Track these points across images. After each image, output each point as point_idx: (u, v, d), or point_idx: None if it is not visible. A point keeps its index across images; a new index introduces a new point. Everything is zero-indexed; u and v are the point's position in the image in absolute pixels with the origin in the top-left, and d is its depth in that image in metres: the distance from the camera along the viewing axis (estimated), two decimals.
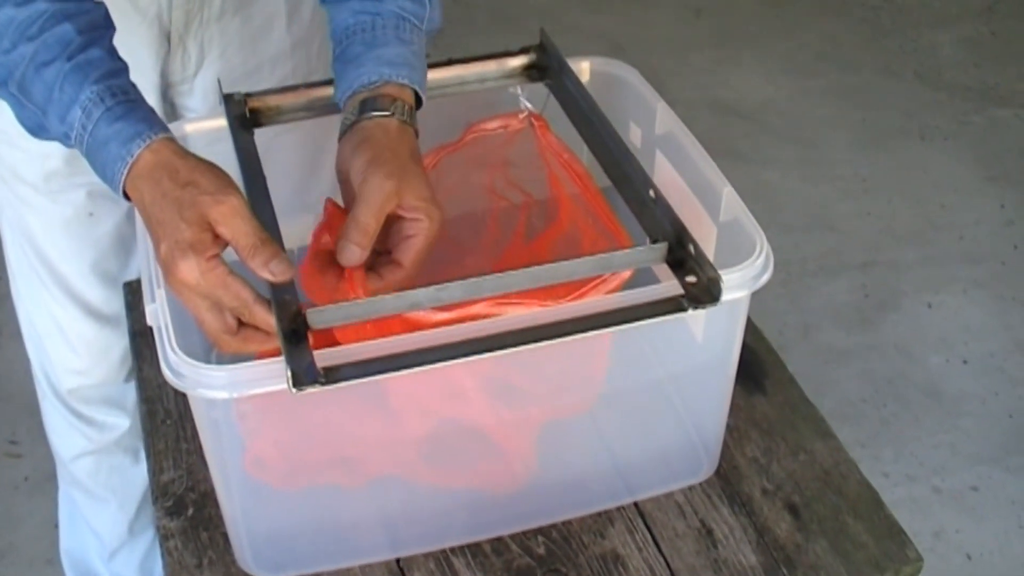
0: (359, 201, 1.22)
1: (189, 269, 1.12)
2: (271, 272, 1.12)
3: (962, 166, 3.72)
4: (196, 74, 1.68)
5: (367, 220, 1.21)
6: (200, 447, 1.50)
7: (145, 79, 1.33)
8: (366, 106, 1.29)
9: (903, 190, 3.62)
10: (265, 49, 1.71)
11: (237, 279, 1.13)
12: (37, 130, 1.23)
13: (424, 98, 1.34)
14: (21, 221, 1.76)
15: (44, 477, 2.67)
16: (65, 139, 1.19)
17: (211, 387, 1.14)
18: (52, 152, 1.61)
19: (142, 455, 2.02)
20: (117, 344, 1.87)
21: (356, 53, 1.34)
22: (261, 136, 1.40)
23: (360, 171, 1.23)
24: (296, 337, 1.12)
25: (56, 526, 2.38)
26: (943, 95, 4.04)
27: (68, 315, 1.83)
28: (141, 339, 1.69)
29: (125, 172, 1.16)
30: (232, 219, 1.12)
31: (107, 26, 1.23)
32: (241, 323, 1.16)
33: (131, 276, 1.83)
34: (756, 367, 1.62)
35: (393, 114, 1.29)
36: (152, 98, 1.58)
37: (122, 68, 1.21)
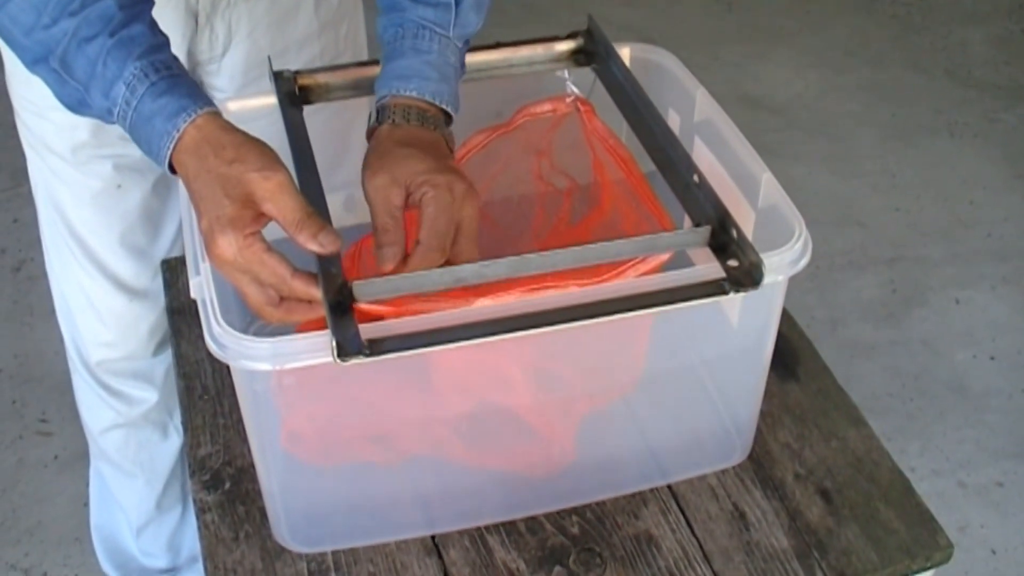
0: (370, 211, 1.26)
1: (227, 244, 1.14)
2: (319, 244, 1.14)
3: (991, 163, 3.72)
4: (224, 54, 1.69)
5: (382, 221, 1.24)
6: (237, 422, 1.52)
7: None
8: (371, 120, 1.36)
9: (931, 186, 3.62)
10: (292, 31, 1.72)
11: (274, 255, 1.15)
12: (77, 106, 1.23)
13: (443, 104, 1.36)
14: (53, 193, 1.77)
15: (74, 456, 2.69)
16: (107, 115, 1.20)
17: (254, 359, 1.15)
18: (80, 123, 1.63)
19: (170, 430, 2.04)
20: (145, 318, 1.89)
21: (382, 66, 1.39)
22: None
23: (362, 183, 1.28)
24: (341, 309, 1.14)
25: (85, 504, 2.40)
26: (973, 92, 4.04)
27: (97, 287, 1.85)
28: (178, 316, 1.71)
29: (171, 147, 1.17)
30: (279, 195, 1.14)
31: (146, 0, 1.24)
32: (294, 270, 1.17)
33: (160, 250, 1.85)
34: (789, 354, 1.63)
35: (382, 123, 1.34)
36: None
37: (164, 42, 1.23)
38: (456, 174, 1.26)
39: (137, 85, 1.17)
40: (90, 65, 1.18)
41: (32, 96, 1.65)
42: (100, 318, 1.88)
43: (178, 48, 1.58)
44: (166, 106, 1.17)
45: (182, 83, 1.19)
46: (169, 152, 1.18)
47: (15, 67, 1.58)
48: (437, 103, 1.35)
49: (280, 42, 1.70)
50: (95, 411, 2.02)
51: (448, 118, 1.37)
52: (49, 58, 1.20)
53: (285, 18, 1.69)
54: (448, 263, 1.22)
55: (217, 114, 1.19)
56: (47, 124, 1.67)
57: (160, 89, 1.17)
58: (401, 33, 1.38)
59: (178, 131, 1.17)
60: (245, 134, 1.19)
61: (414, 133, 1.32)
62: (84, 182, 1.73)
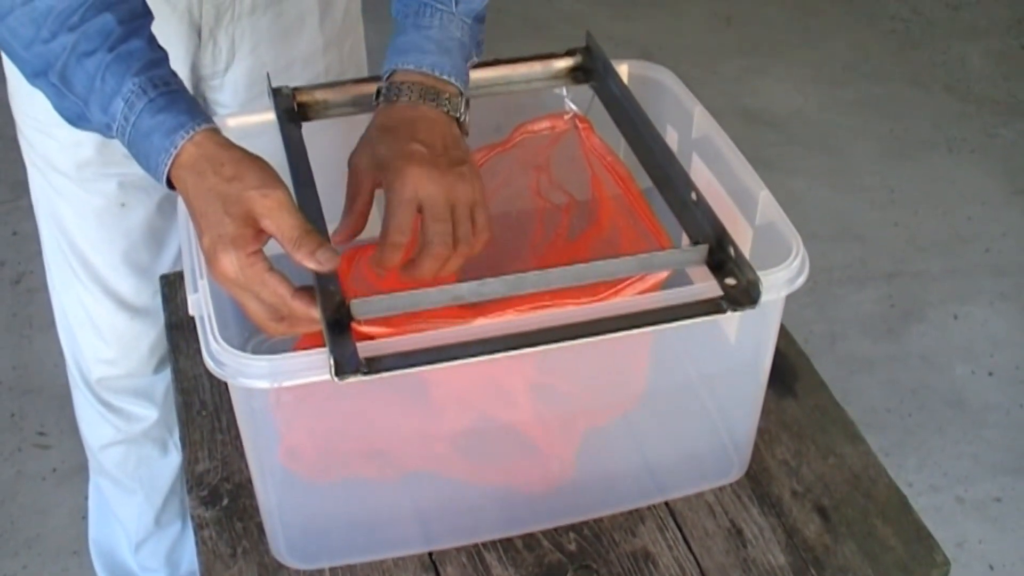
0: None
1: (230, 263, 1.14)
2: (317, 261, 1.14)
3: (989, 179, 3.72)
4: (227, 69, 1.70)
5: (347, 203, 1.30)
6: (235, 438, 1.52)
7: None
8: (372, 99, 1.38)
9: (930, 201, 3.62)
10: (297, 47, 1.72)
11: (275, 275, 1.15)
12: (77, 120, 1.24)
13: (443, 76, 1.36)
14: (55, 211, 1.77)
15: (72, 468, 2.69)
16: (107, 130, 1.21)
17: (252, 376, 1.15)
18: (84, 141, 1.63)
19: (170, 447, 2.04)
20: (147, 335, 1.88)
21: (388, 45, 1.40)
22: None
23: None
24: (339, 327, 1.14)
25: (84, 517, 2.40)
26: (971, 108, 4.04)
27: (99, 305, 1.84)
28: (176, 332, 1.71)
29: (168, 164, 1.17)
30: (277, 212, 1.14)
31: (146, 14, 1.24)
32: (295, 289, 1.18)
33: (162, 268, 1.84)
34: (787, 371, 1.63)
35: (379, 102, 1.36)
36: None
37: (162, 57, 1.23)
38: (408, 159, 1.27)
39: (135, 101, 1.18)
40: (89, 80, 1.19)
41: (35, 112, 1.65)
42: (101, 335, 1.87)
43: (181, 62, 1.59)
44: (164, 122, 1.17)
45: (180, 99, 1.20)
46: (167, 168, 1.18)
47: (19, 83, 1.58)
48: (436, 74, 1.35)
49: (284, 58, 1.70)
50: (95, 427, 2.02)
51: (458, 92, 1.37)
52: (48, 72, 1.20)
53: (289, 34, 1.70)
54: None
55: (215, 130, 1.19)
56: (51, 141, 1.67)
57: (158, 105, 1.17)
58: (405, 12, 1.39)
59: (176, 148, 1.17)
60: (244, 151, 1.19)
61: (397, 113, 1.33)
62: (87, 200, 1.73)
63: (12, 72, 1.52)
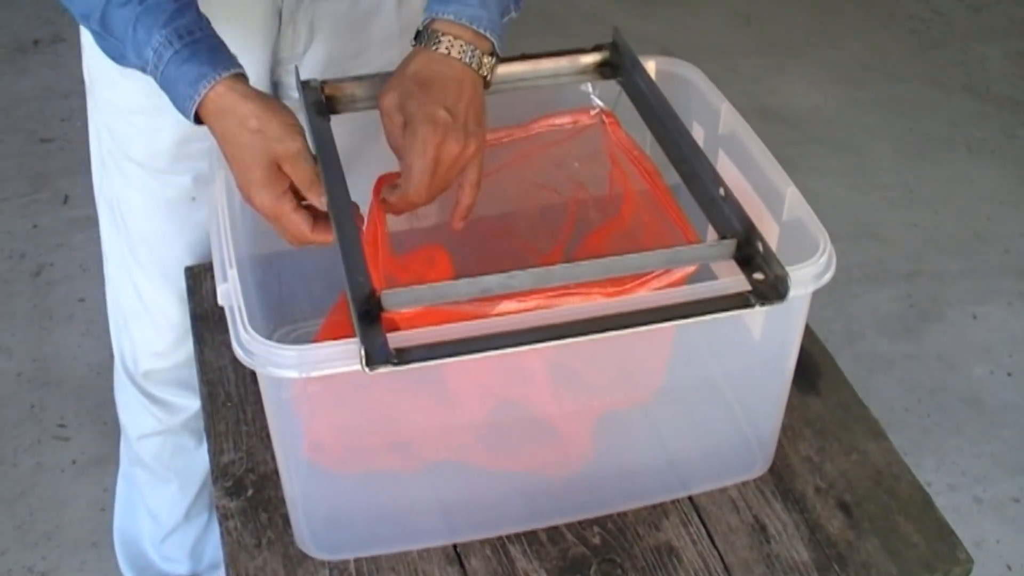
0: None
1: (261, 201, 1.29)
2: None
3: (1008, 179, 3.72)
4: (304, 53, 1.70)
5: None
6: (260, 429, 1.52)
7: (254, 56, 1.47)
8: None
9: (949, 201, 3.62)
10: (373, 32, 1.72)
11: (299, 214, 1.29)
12: (119, 59, 1.33)
13: (480, 29, 1.37)
14: (124, 200, 1.79)
15: (91, 460, 2.70)
16: (143, 71, 1.30)
17: (281, 366, 1.16)
18: (163, 128, 1.65)
19: None
20: None
21: None
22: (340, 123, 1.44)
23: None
24: (369, 318, 1.14)
25: (102, 509, 2.41)
26: (991, 107, 4.04)
27: (159, 296, 1.85)
28: (201, 323, 1.71)
29: (193, 110, 1.27)
30: (296, 160, 1.28)
31: None
32: (315, 221, 1.30)
33: None
34: (810, 367, 1.63)
35: (416, 44, 1.39)
36: (259, 75, 1.63)
37: (186, 4, 1.30)
38: (434, 125, 1.30)
39: (163, 52, 1.26)
40: (125, 26, 1.28)
41: (116, 99, 1.67)
42: (156, 327, 1.88)
43: (261, 47, 1.63)
44: (187, 73, 1.26)
45: (203, 49, 1.28)
46: (193, 115, 1.28)
47: (101, 72, 1.62)
48: (474, 27, 1.36)
49: (360, 42, 1.71)
50: (136, 416, 2.03)
51: (491, 50, 1.38)
52: (89, 18, 1.30)
53: (366, 18, 1.70)
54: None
55: (237, 77, 1.28)
56: (129, 128, 1.69)
57: (183, 56, 1.26)
58: None
59: (199, 95, 1.26)
60: (265, 98, 1.28)
61: (432, 67, 1.35)
62: (159, 191, 1.74)
63: (96, 59, 1.56)
